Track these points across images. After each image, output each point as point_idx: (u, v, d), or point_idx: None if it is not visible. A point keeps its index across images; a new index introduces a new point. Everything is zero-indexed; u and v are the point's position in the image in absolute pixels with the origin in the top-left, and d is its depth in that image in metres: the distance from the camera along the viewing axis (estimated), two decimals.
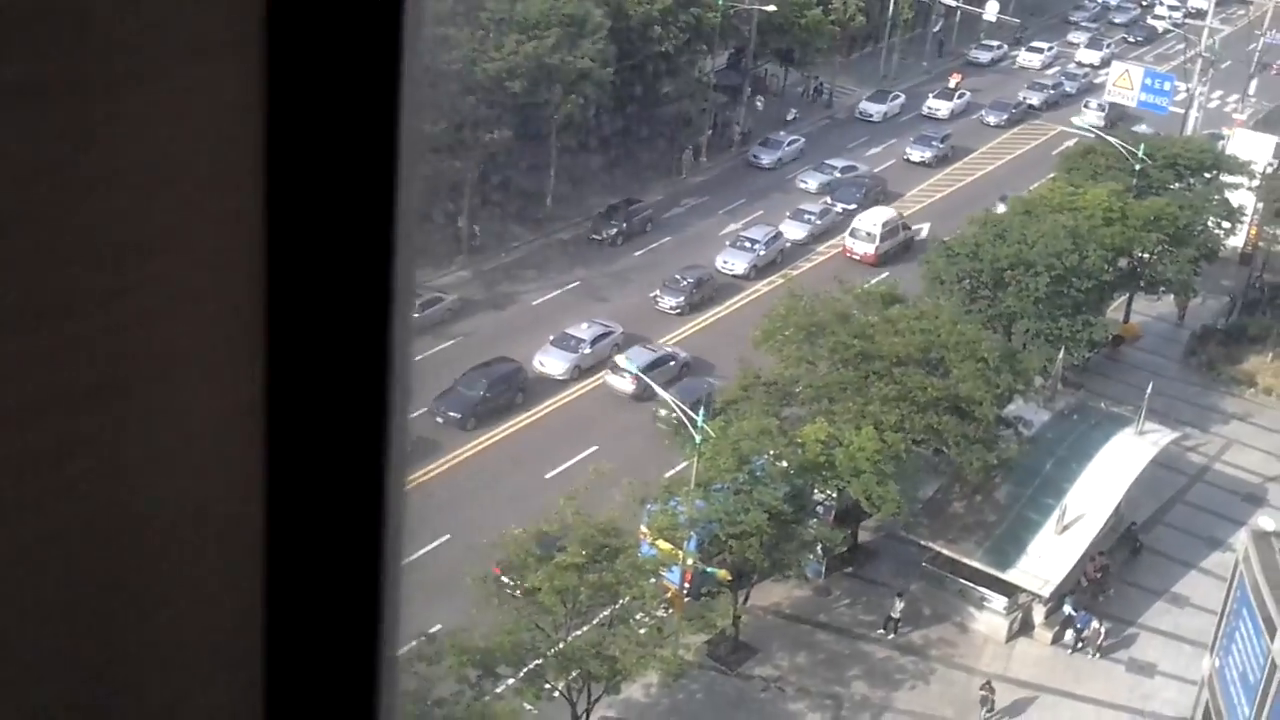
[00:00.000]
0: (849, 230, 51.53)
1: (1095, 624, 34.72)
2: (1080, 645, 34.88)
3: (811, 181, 56.08)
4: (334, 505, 1.31)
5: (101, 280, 1.14)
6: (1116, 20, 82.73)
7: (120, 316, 1.16)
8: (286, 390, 1.26)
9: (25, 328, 1.11)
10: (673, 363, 42.13)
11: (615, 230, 50.03)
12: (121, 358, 1.17)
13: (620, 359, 40.99)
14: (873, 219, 51.56)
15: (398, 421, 1.30)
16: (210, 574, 1.28)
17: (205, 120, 1.17)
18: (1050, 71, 71.68)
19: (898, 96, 64.99)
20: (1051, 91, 68.72)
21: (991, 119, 64.90)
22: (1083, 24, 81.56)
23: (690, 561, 31.84)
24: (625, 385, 40.86)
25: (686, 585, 32.36)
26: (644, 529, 31.53)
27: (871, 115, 63.81)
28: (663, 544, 31.40)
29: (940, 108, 64.84)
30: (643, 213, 51.20)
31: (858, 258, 50.29)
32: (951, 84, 66.93)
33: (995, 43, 73.97)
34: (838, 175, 56.41)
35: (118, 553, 1.21)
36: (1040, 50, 74.04)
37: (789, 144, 58.52)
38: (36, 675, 1.20)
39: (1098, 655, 34.70)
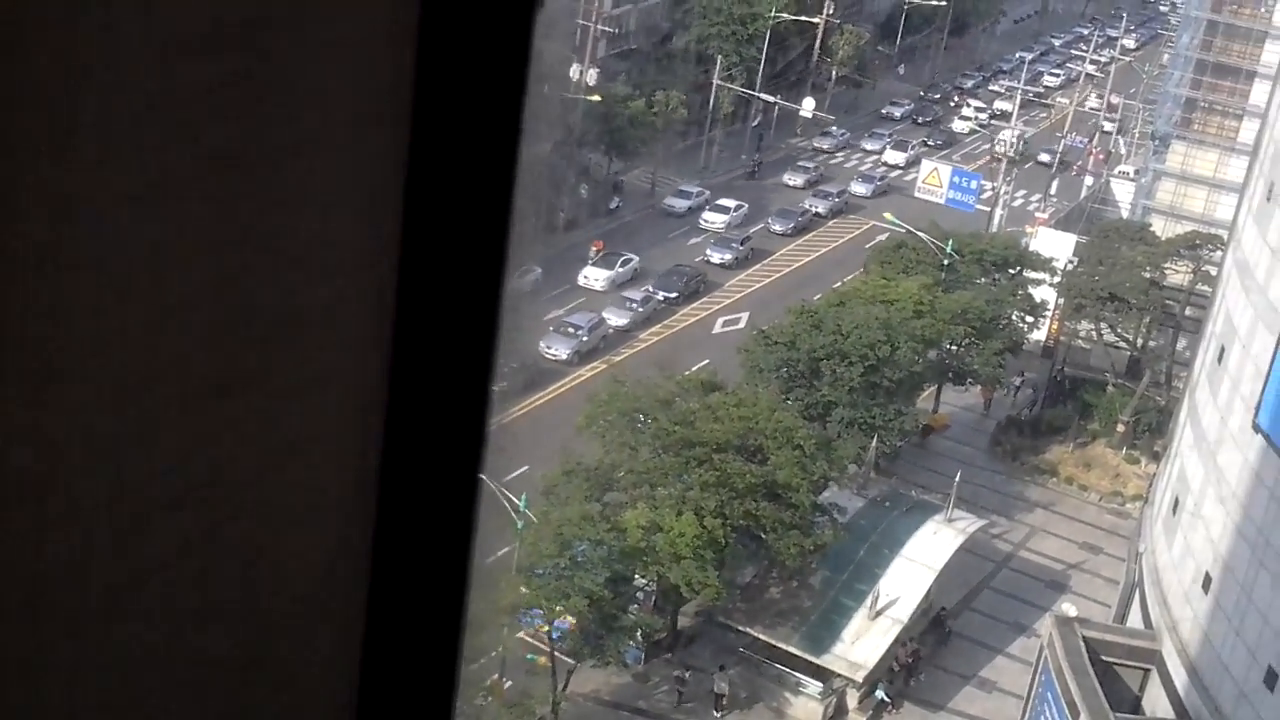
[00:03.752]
0: None
1: None
2: None
3: None
4: (431, 582, 1.44)
5: (254, 359, 1.24)
6: (868, 147, 78.44)
7: (266, 397, 1.27)
8: (400, 471, 1.39)
9: (192, 408, 1.21)
10: None
11: None
12: (262, 437, 1.27)
13: None
14: None
15: (479, 496, 1.44)
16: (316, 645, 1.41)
17: (351, 198, 1.28)
18: (733, 230, 63.60)
19: (531, 271, 53.51)
20: (836, 200, 68.72)
21: (778, 227, 64.70)
22: (829, 139, 77.03)
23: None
24: None
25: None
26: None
27: None
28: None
29: (596, 277, 55.76)
30: None
31: None
32: (593, 251, 57.47)
33: (695, 189, 66.11)
34: None
35: (248, 630, 1.33)
36: (726, 210, 64.28)
37: None
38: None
39: None
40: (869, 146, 78.07)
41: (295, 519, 1.35)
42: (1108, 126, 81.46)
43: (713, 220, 63.81)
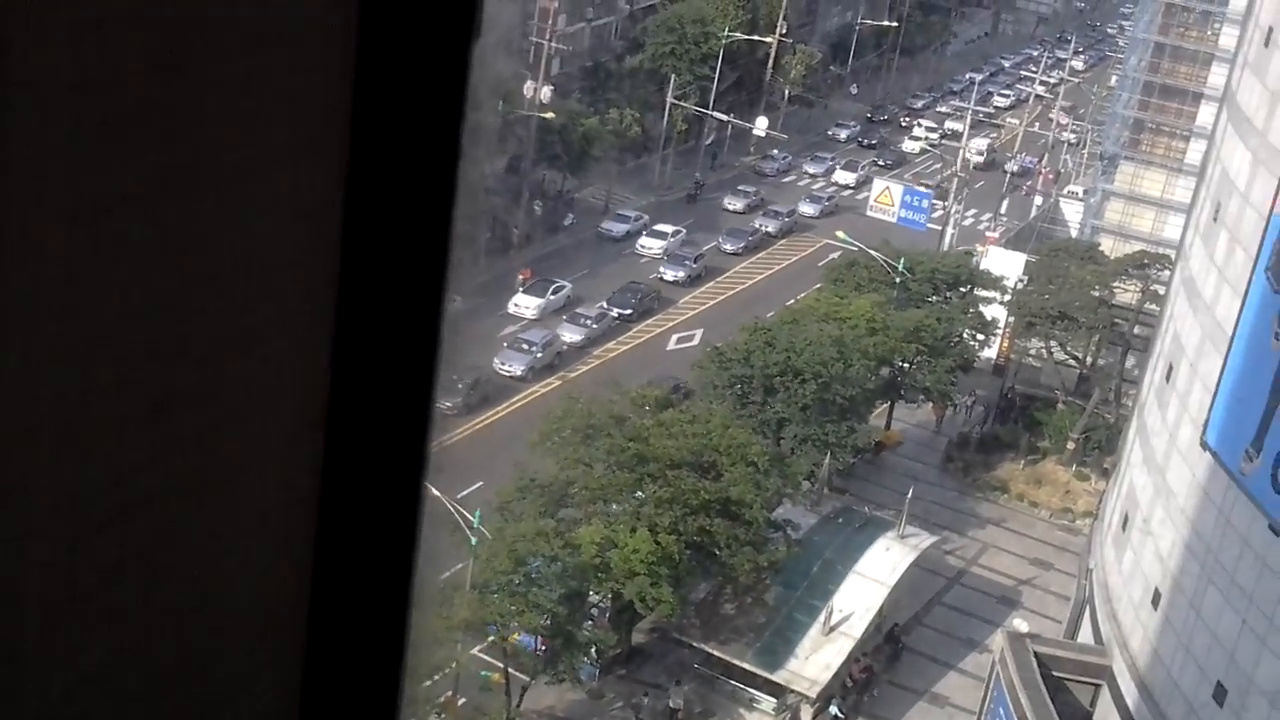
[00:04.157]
0: None
1: None
2: None
3: None
4: (373, 598, 1.48)
5: (196, 379, 1.27)
6: (811, 170, 77.63)
7: (206, 415, 1.30)
8: (339, 488, 1.43)
9: (131, 427, 1.24)
10: None
11: None
12: (202, 455, 1.30)
13: None
14: None
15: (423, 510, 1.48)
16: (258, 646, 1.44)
17: (289, 221, 1.32)
18: (678, 248, 63.14)
19: (453, 300, 54.21)
20: (786, 219, 68.91)
21: (729, 246, 64.73)
22: (771, 163, 76.52)
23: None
24: None
25: (544, 647, 32.61)
26: None
27: None
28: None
29: (528, 305, 54.30)
30: None
31: None
32: (519, 279, 55.99)
33: (634, 213, 65.18)
34: None
35: (189, 648, 1.37)
36: (664, 236, 63.45)
37: None
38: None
39: None
40: (811, 170, 78.10)
41: (236, 537, 1.37)
42: (1066, 135, 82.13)
43: (650, 246, 62.95)
